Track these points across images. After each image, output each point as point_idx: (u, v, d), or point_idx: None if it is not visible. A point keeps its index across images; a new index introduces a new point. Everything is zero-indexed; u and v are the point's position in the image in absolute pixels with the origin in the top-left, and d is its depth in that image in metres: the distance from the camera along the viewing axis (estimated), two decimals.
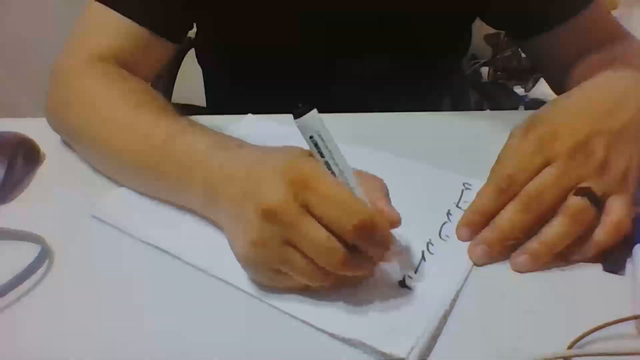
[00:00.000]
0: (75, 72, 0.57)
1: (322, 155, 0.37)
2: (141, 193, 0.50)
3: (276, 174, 0.37)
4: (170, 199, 0.48)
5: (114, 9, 0.58)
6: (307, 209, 0.36)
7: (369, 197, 0.38)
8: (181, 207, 0.47)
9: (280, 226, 0.36)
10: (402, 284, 0.40)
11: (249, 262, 0.39)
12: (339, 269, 0.37)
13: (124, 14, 0.58)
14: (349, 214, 0.36)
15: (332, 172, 0.37)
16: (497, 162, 0.46)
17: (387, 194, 0.40)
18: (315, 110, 0.36)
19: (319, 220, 0.36)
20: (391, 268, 0.40)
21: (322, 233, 0.36)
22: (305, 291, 0.39)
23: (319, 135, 0.36)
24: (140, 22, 0.58)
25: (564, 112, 0.46)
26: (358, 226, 0.35)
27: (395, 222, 0.38)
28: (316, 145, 0.37)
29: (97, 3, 0.58)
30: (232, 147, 0.44)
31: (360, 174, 0.40)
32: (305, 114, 0.36)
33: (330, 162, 0.37)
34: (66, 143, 0.58)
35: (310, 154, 0.38)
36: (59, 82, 0.58)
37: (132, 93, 0.53)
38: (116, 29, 0.58)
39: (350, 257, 0.36)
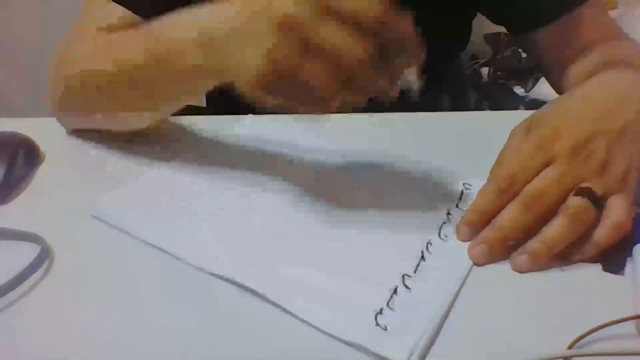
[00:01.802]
0: (81, 53, 0.57)
1: None
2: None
3: None
4: (172, 90, 0.48)
5: (115, 1, 0.58)
6: (326, 10, 0.35)
7: None
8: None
9: (298, 32, 0.35)
10: (414, 93, 0.39)
11: (264, 78, 0.37)
12: (364, 69, 0.36)
13: (125, 7, 0.58)
14: (369, 4, 0.35)
15: None
16: (497, 162, 0.46)
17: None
18: None
19: (340, 18, 0.35)
20: (410, 74, 0.39)
21: (344, 31, 0.35)
22: (318, 110, 0.39)
23: None
24: (141, 14, 0.58)
25: (564, 112, 0.46)
26: (381, 14, 0.35)
27: (407, 21, 0.37)
28: None
29: None
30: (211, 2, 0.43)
31: None
32: None
33: None
34: (66, 141, 0.58)
35: None
36: (67, 69, 0.57)
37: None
38: (116, 21, 0.58)
39: (375, 55, 0.35)
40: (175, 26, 0.46)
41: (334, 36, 0.35)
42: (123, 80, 0.51)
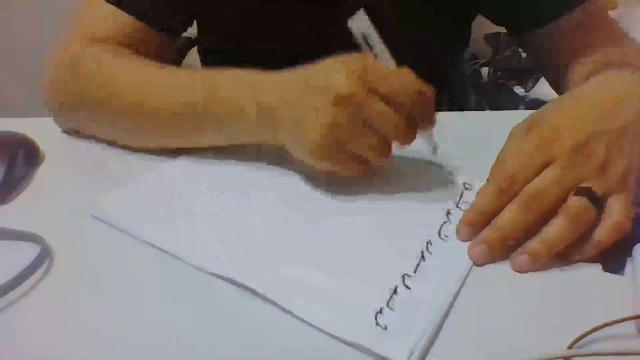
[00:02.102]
0: (83, 57, 0.58)
1: (370, 49, 0.45)
2: (182, 146, 0.54)
3: (338, 67, 0.44)
4: (217, 140, 0.52)
5: (110, 2, 0.59)
6: (371, 90, 0.43)
7: None
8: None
9: (352, 108, 0.43)
10: (435, 151, 0.50)
11: (324, 146, 0.45)
12: (401, 136, 0.45)
13: (119, 7, 0.58)
14: (409, 84, 0.44)
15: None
16: (497, 161, 0.46)
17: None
18: (362, 11, 0.44)
19: (382, 97, 0.43)
20: (428, 136, 0.49)
21: (387, 108, 0.44)
22: (360, 172, 0.47)
23: (368, 33, 0.44)
24: (134, 14, 0.59)
25: (564, 112, 0.46)
26: (416, 96, 0.44)
27: (431, 92, 0.45)
28: (366, 41, 0.45)
29: None
30: (271, 73, 0.49)
31: None
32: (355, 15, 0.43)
33: (378, 54, 0.45)
34: (66, 141, 0.58)
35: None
36: (67, 70, 0.58)
37: (146, 61, 0.56)
38: (111, 20, 0.60)
39: (409, 124, 0.45)
40: (233, 89, 0.50)
41: (380, 110, 0.44)
42: (159, 123, 0.53)
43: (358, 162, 0.46)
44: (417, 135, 0.47)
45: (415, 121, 0.46)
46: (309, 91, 0.45)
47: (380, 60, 0.45)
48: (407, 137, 0.46)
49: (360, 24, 0.44)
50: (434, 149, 0.50)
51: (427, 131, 0.48)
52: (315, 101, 0.44)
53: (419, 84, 0.44)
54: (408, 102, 0.44)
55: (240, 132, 0.51)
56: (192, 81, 0.52)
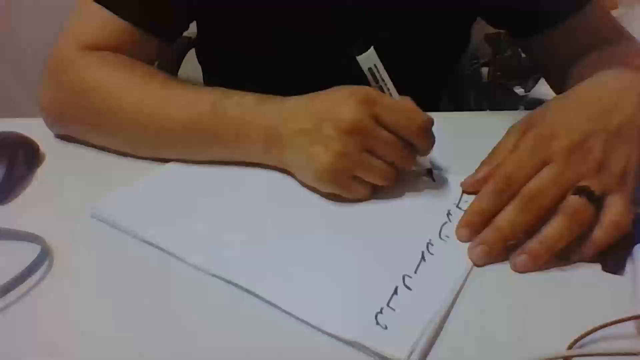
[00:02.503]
0: (78, 64, 0.57)
1: (377, 82, 0.47)
2: (188, 161, 0.54)
3: (346, 98, 0.46)
4: (223, 158, 0.53)
5: (102, 5, 0.58)
6: (377, 120, 0.46)
7: None
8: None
9: (360, 137, 0.46)
10: (429, 173, 0.51)
11: (332, 173, 0.47)
12: (404, 162, 0.48)
13: (113, 11, 0.58)
14: (411, 118, 0.47)
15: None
16: (488, 156, 0.48)
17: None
18: (372, 49, 0.46)
19: (387, 127, 0.46)
20: (424, 160, 0.51)
21: (393, 137, 0.47)
22: (365, 196, 0.49)
23: (375, 67, 0.47)
24: (128, 19, 0.59)
25: (561, 111, 0.46)
26: (419, 127, 0.47)
27: (431, 122, 0.48)
28: (373, 75, 0.47)
29: None
30: (275, 98, 0.51)
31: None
32: (363, 51, 0.46)
33: (384, 87, 0.47)
34: (66, 141, 0.58)
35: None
36: (61, 76, 0.58)
37: (147, 73, 0.56)
38: (106, 24, 0.59)
39: (412, 152, 0.48)
40: (240, 112, 0.51)
41: (386, 139, 0.46)
42: (164, 139, 0.54)
43: (365, 186, 0.48)
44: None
45: (419, 148, 0.48)
46: (318, 120, 0.47)
47: (385, 92, 0.47)
48: (411, 163, 0.49)
49: (369, 60, 0.46)
50: (430, 173, 0.51)
51: (424, 156, 0.50)
52: (325, 130, 0.46)
53: (420, 113, 0.47)
54: (414, 134, 0.47)
55: (245, 154, 0.52)
56: (196, 99, 0.52)
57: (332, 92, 0.48)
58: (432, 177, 0.51)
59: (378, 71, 0.47)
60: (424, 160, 0.51)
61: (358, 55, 0.46)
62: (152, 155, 0.55)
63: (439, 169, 0.53)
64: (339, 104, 0.47)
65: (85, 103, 0.55)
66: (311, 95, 0.49)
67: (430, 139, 0.48)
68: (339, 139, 0.46)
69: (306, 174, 0.49)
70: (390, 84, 0.48)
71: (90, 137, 0.57)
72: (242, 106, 0.51)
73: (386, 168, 0.48)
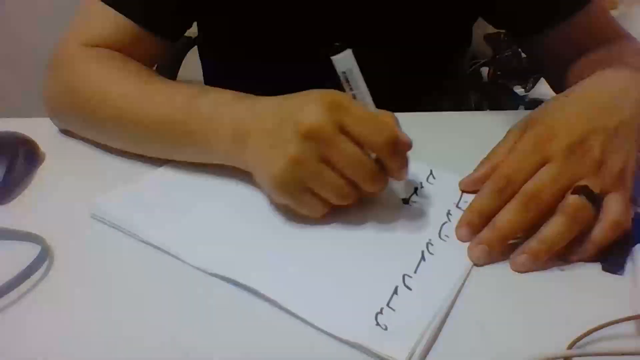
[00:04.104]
0: (75, 59, 0.58)
1: (350, 89, 0.43)
2: (163, 157, 0.53)
3: (312, 100, 0.42)
4: (195, 157, 0.51)
5: (107, 4, 0.59)
6: (342, 129, 0.41)
7: None
8: (206, 164, 0.51)
9: (318, 143, 0.41)
10: (406, 201, 0.47)
11: (284, 181, 0.42)
12: (367, 182, 0.43)
13: (116, 9, 0.59)
14: (380, 130, 0.41)
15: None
16: (487, 155, 0.48)
17: (398, 124, 0.44)
18: (349, 51, 0.42)
19: (353, 138, 0.41)
20: (399, 185, 0.46)
21: (356, 149, 0.42)
22: (324, 215, 0.45)
23: (350, 71, 0.42)
24: (132, 17, 0.59)
25: (560, 111, 0.46)
26: (387, 142, 0.41)
27: (409, 143, 0.43)
28: (346, 79, 0.43)
29: None
30: (253, 97, 0.48)
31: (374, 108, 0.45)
32: (341, 52, 0.42)
33: (357, 94, 0.43)
34: (66, 141, 0.58)
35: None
36: (59, 72, 0.59)
37: (136, 70, 0.56)
38: (109, 23, 0.60)
39: (378, 170, 0.43)
40: (213, 108, 0.49)
41: (347, 151, 0.41)
42: (143, 134, 0.53)
43: (320, 202, 0.44)
44: (390, 183, 0.45)
45: (388, 169, 0.43)
46: (280, 121, 0.43)
47: (359, 100, 0.43)
48: (375, 185, 0.44)
49: (344, 61, 0.42)
50: (405, 200, 0.48)
51: (399, 180, 0.45)
52: (284, 132, 0.42)
53: (396, 131, 0.42)
54: (380, 149, 0.42)
55: (214, 153, 0.49)
56: (174, 95, 0.52)
57: (304, 93, 0.44)
58: (407, 202, 0.47)
59: (353, 76, 0.43)
60: (397, 185, 0.47)
61: (333, 55, 0.42)
62: (135, 152, 0.55)
63: (440, 169, 0.53)
64: (303, 105, 0.42)
65: (74, 98, 0.56)
66: (286, 95, 0.46)
67: (400, 159, 0.43)
68: (295, 142, 0.41)
69: (262, 178, 0.46)
70: (365, 92, 0.43)
71: (83, 133, 0.58)
72: (216, 102, 0.49)
73: (343, 185, 0.43)
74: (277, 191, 0.44)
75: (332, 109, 0.41)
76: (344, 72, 0.42)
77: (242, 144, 0.46)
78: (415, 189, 0.42)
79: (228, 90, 0.50)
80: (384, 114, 0.44)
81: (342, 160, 0.42)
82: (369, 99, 0.44)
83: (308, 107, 0.42)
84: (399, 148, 0.42)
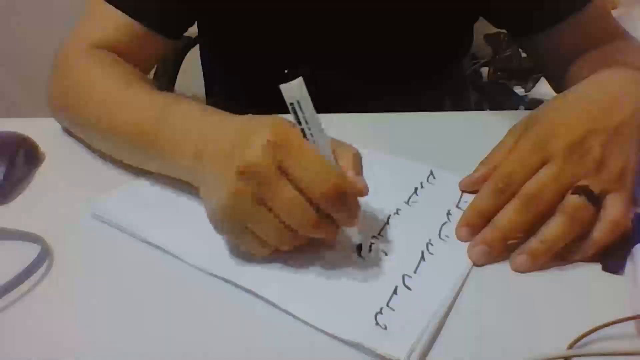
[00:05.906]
0: (73, 61, 0.58)
1: (299, 123, 0.38)
2: (136, 165, 0.52)
3: (258, 136, 0.38)
4: (164, 169, 0.49)
5: (110, 3, 0.60)
6: (283, 171, 0.37)
7: (341, 166, 0.40)
8: (172, 178, 0.49)
9: (255, 183, 0.37)
10: (359, 251, 0.42)
11: (221, 215, 0.40)
12: (307, 230, 0.39)
13: (119, 8, 0.59)
14: (321, 180, 0.37)
15: (307, 140, 0.38)
16: (487, 156, 0.48)
17: (359, 163, 0.41)
18: (300, 79, 0.37)
19: (293, 182, 0.37)
20: (351, 232, 0.42)
21: (295, 194, 0.37)
22: (267, 256, 0.41)
23: (298, 104, 0.37)
24: (135, 16, 0.60)
25: (560, 111, 0.46)
26: (328, 192, 0.37)
27: (362, 191, 0.39)
28: (295, 112, 0.38)
29: None
30: (223, 113, 0.46)
31: (336, 142, 0.41)
32: (291, 80, 0.37)
33: (306, 130, 0.38)
34: (66, 141, 0.58)
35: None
36: (60, 71, 0.59)
37: (123, 74, 0.56)
38: (113, 22, 0.60)
39: (318, 219, 0.38)
40: (181, 121, 0.47)
41: (284, 195, 0.37)
42: (119, 141, 0.52)
43: (261, 244, 0.40)
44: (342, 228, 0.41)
45: (334, 218, 0.39)
46: (232, 147, 0.39)
47: (308, 136, 0.38)
48: (318, 233, 0.39)
49: (293, 91, 0.37)
50: (359, 247, 0.42)
51: (350, 227, 0.41)
52: (232, 160, 0.38)
53: (342, 180, 0.38)
54: (320, 199, 0.37)
55: (176, 168, 0.47)
56: (150, 103, 0.51)
57: (260, 119, 0.40)
58: (361, 255, 0.42)
59: (301, 109, 0.37)
60: (351, 232, 0.42)
61: (282, 83, 0.37)
62: (114, 157, 0.54)
63: (440, 169, 0.53)
64: (247, 141, 0.38)
65: (67, 99, 0.57)
66: (249, 116, 0.42)
67: (347, 210, 0.39)
68: (233, 180, 0.38)
69: (207, 204, 0.41)
70: (315, 128, 0.38)
71: (76, 133, 0.58)
72: (185, 115, 0.47)
73: (281, 229, 0.39)
74: (217, 223, 0.41)
75: (276, 146, 0.37)
76: (291, 104, 0.37)
77: (200, 167, 0.43)
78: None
79: (200, 104, 0.48)
80: (344, 152, 0.40)
81: (278, 205, 0.38)
82: (318, 134, 0.38)
83: (253, 139, 0.38)
84: (347, 198, 0.38)
